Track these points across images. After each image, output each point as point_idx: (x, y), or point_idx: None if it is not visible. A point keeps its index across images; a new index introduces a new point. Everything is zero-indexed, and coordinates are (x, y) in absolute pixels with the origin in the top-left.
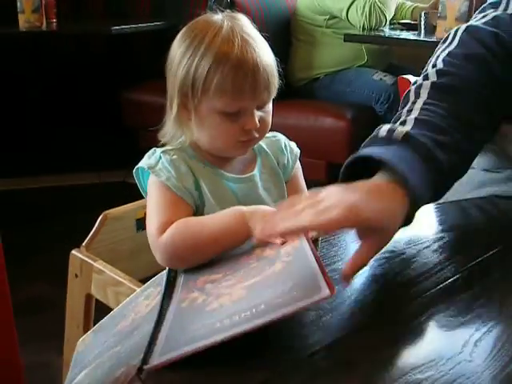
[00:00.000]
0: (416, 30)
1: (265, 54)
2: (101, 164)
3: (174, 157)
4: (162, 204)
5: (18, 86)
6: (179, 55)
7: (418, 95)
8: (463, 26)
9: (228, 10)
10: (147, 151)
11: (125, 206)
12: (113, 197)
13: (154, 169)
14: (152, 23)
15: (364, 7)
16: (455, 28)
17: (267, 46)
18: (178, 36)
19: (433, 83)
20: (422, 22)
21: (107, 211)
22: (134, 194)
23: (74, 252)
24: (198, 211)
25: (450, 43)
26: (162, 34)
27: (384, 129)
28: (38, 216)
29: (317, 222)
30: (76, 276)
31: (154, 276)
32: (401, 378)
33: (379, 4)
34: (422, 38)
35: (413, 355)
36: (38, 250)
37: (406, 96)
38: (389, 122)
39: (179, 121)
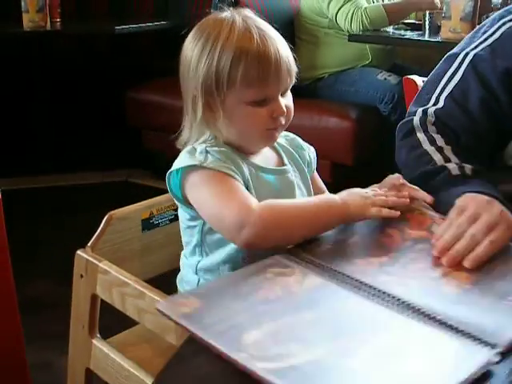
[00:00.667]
0: (420, 30)
1: (281, 43)
2: (104, 163)
3: (222, 149)
4: (228, 190)
5: (21, 86)
6: (196, 56)
7: (427, 134)
8: (470, 55)
9: (232, 8)
10: (151, 150)
11: (130, 206)
12: (116, 196)
13: (206, 163)
14: (155, 23)
15: (347, 13)
16: (463, 53)
17: (279, 34)
18: (189, 38)
19: (434, 122)
20: (427, 22)
21: (113, 211)
22: (136, 193)
23: (79, 252)
24: None
25: (454, 74)
26: (165, 33)
27: (454, 167)
28: (40, 215)
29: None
30: (81, 276)
31: (159, 276)
32: None
33: (363, 13)
34: (426, 38)
35: None
36: (40, 250)
37: (408, 125)
38: (393, 122)
39: (206, 122)
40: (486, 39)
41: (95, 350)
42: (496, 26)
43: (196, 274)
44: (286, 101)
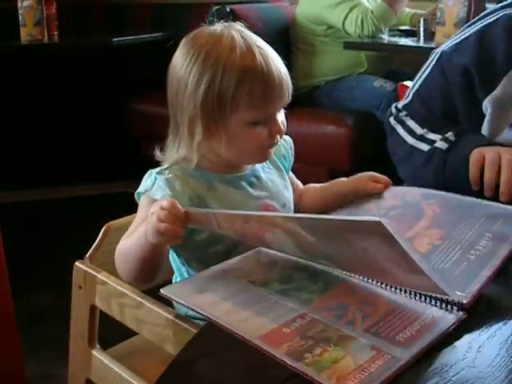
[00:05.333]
0: (415, 36)
1: (279, 60)
2: (103, 175)
3: (169, 175)
4: (143, 218)
5: (19, 99)
6: (194, 76)
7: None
8: (439, 52)
9: (222, 21)
10: (150, 161)
11: (128, 217)
12: (116, 207)
13: (151, 191)
14: (152, 34)
15: (357, 20)
16: (435, 52)
17: (273, 50)
18: (181, 54)
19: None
20: (421, 29)
21: (110, 222)
22: (137, 204)
23: (77, 264)
24: None
25: (425, 70)
26: (163, 44)
27: (441, 144)
28: (41, 227)
29: None
30: (80, 287)
31: (156, 287)
32: None
33: (371, 15)
34: (421, 44)
35: (416, 362)
36: (40, 262)
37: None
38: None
39: (206, 143)
40: (458, 38)
41: (95, 360)
42: (469, 28)
43: None
44: (281, 117)
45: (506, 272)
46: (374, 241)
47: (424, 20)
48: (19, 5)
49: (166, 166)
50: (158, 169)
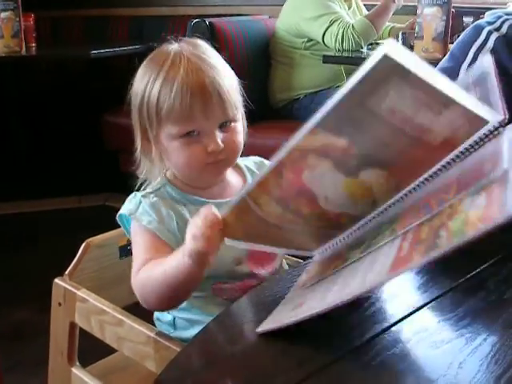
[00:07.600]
0: None
1: (219, 75)
2: (81, 187)
3: (154, 199)
4: (144, 247)
5: None
6: (136, 86)
7: None
8: None
9: (185, 38)
10: (128, 174)
11: (107, 233)
12: (94, 221)
13: (135, 214)
14: (131, 46)
15: (337, 34)
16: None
17: (225, 66)
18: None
19: None
20: (400, 43)
21: (90, 239)
22: (115, 217)
23: (57, 280)
24: None
25: None
26: (141, 57)
27: None
28: (19, 242)
29: None
30: (59, 304)
31: (137, 303)
32: None
33: (352, 31)
34: None
35: (397, 379)
36: (20, 276)
37: None
38: None
39: (144, 154)
40: (479, 50)
41: (75, 378)
42: (483, 37)
43: (169, 312)
44: (228, 134)
45: (487, 287)
46: (394, 90)
47: (402, 34)
48: None
49: (151, 190)
50: (143, 192)
